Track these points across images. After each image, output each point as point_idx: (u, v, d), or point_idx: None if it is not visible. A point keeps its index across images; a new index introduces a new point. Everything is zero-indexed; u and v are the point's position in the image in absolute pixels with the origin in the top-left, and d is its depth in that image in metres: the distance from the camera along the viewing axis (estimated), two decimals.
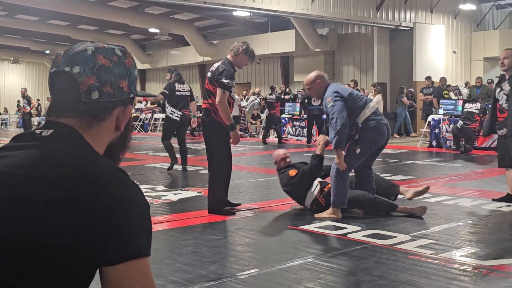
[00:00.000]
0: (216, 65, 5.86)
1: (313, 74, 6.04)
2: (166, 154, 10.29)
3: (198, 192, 7.32)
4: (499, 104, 6.13)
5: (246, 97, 22.54)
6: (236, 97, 20.08)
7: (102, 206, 1.28)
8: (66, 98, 1.43)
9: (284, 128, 18.14)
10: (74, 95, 1.42)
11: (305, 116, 17.19)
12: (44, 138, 1.39)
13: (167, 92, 9.74)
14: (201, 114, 6.22)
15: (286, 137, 17.92)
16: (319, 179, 6.06)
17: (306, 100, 15.85)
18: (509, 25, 24.21)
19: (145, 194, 5.38)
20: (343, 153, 5.41)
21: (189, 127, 20.61)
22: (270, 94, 18.05)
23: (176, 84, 9.81)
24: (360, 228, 5.06)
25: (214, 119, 5.69)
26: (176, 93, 9.72)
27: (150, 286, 1.33)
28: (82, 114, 1.44)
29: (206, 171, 9.58)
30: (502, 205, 6.09)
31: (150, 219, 1.36)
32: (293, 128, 17.90)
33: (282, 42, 24.15)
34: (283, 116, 18.46)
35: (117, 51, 1.52)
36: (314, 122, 16.01)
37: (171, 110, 9.75)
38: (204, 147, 6.10)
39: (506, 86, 6.03)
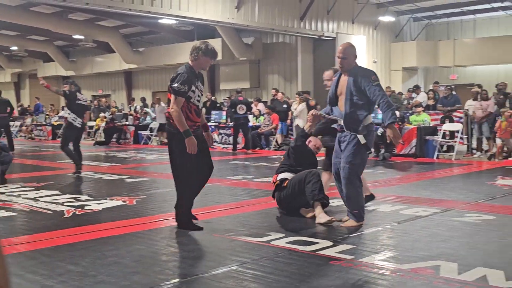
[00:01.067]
0: None
1: (348, 44, 5.71)
2: (90, 163, 10.05)
3: (123, 202, 7.15)
4: None
5: None
6: (163, 104, 19.89)
7: None
8: None
9: None
10: None
11: (231, 123, 17.23)
12: None
13: (67, 92, 10.18)
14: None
15: (212, 144, 17.83)
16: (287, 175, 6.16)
17: (232, 109, 15.88)
18: (425, 36, 25.32)
19: (67, 204, 5.18)
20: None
21: (115, 134, 20.38)
22: None
23: (78, 94, 10.32)
24: (283, 235, 5.08)
25: (173, 127, 5.34)
26: (77, 101, 10.20)
27: None
28: None
29: (132, 180, 9.52)
30: (419, 210, 6.32)
31: None
32: (220, 136, 17.89)
33: None
34: (209, 123, 18.39)
35: None
36: (240, 130, 16.06)
37: (74, 117, 10.03)
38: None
39: None
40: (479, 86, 14.74)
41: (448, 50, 22.70)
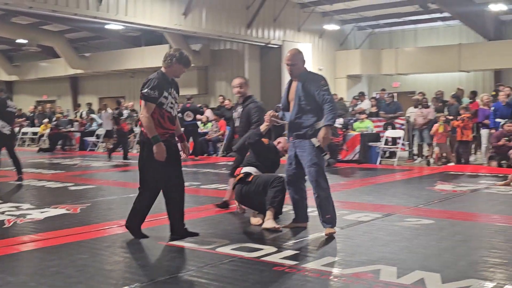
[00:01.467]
0: None
1: (296, 50, 5.59)
2: (34, 170, 9.79)
3: (66, 210, 6.99)
4: (236, 126, 6.96)
5: (118, 110, 21.85)
6: (109, 110, 19.57)
7: None
8: None
9: None
10: None
11: None
12: None
13: None
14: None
15: (187, 156, 17.62)
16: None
17: (181, 116, 15.75)
18: (369, 45, 25.88)
19: (8, 213, 5.02)
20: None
21: (60, 141, 19.90)
22: (116, 108, 16.99)
23: (8, 101, 10.15)
24: (228, 242, 5.09)
25: (144, 136, 5.18)
26: (8, 109, 10.00)
27: None
28: None
29: (76, 188, 9.32)
30: (362, 215, 6.46)
31: None
32: None
33: (156, 57, 23.90)
34: None
35: None
36: (191, 138, 15.83)
37: (2, 124, 9.79)
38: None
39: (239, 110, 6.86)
40: (423, 94, 15.17)
41: (391, 58, 23.28)
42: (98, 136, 19.93)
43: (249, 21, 20.27)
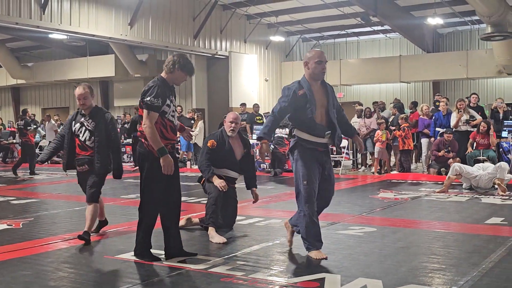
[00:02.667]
0: None
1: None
2: None
3: (8, 225, 6.77)
4: (79, 140, 5.95)
5: (24, 121, 21.15)
6: (53, 121, 19.12)
7: None
8: None
9: None
10: None
11: (125, 141, 16.94)
12: None
13: None
14: None
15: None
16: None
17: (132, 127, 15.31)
18: None
19: None
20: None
21: (1, 153, 19.26)
22: (21, 119, 15.63)
23: None
24: None
25: (144, 148, 4.78)
26: None
27: None
28: None
29: (19, 202, 9.04)
30: None
31: None
32: None
33: (101, 67, 23.55)
34: None
35: None
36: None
37: None
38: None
39: (88, 122, 5.92)
40: (360, 103, 15.53)
41: (335, 69, 23.69)
42: (41, 148, 19.40)
43: (196, 32, 20.27)
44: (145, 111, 4.68)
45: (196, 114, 16.90)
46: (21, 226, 6.72)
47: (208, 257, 4.94)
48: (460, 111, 12.38)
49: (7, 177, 13.93)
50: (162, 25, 19.32)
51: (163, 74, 4.98)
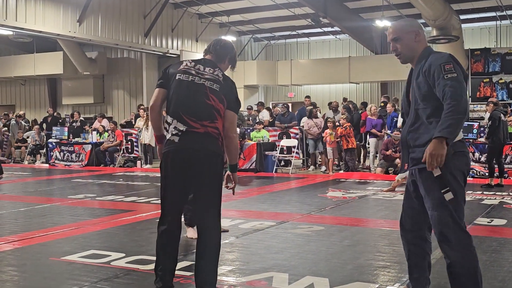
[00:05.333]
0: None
1: (400, 21, 3.63)
2: None
3: None
4: None
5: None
6: None
7: None
8: None
9: (52, 153, 17.19)
10: None
11: (73, 140, 16.61)
12: None
13: None
14: None
15: (54, 162, 16.98)
16: None
17: None
18: (265, 56, 26.43)
19: None
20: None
21: None
22: None
23: None
24: (124, 255, 5.01)
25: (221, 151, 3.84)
26: None
27: None
28: None
29: None
30: (257, 223, 6.58)
31: None
32: (61, 153, 17.05)
33: (49, 64, 22.98)
34: (50, 140, 17.51)
35: None
36: None
37: None
38: None
39: None
40: (314, 104, 15.72)
41: (286, 69, 23.86)
42: None
43: (147, 30, 20.03)
44: (233, 113, 3.76)
45: (146, 112, 16.69)
46: None
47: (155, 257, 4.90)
48: None
49: None
50: (112, 23, 18.99)
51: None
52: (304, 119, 15.23)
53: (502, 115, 10.42)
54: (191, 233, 5.65)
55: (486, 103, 12.84)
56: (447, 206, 3.18)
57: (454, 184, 3.21)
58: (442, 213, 3.21)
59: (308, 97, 16.64)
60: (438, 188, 3.20)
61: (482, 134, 11.98)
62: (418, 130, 3.34)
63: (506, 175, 10.99)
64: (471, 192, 9.34)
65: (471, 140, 12.02)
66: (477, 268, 3.21)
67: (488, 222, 6.46)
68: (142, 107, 17.44)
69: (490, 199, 8.60)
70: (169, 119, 3.65)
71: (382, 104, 15.34)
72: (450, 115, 3.05)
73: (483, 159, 11.87)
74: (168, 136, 3.63)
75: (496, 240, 5.54)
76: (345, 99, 17.15)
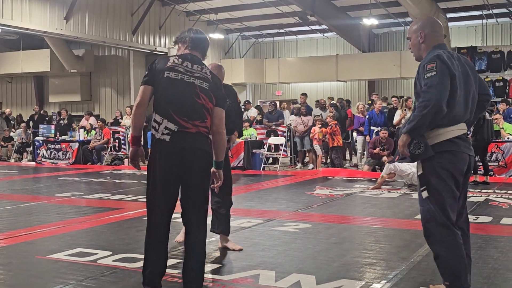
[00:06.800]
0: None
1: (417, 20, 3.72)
2: None
3: None
4: None
5: None
6: None
7: None
8: None
9: (38, 151, 17.07)
10: None
11: (60, 138, 16.50)
12: None
13: None
14: None
15: (41, 160, 16.86)
16: None
17: None
18: (253, 54, 26.41)
19: None
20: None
21: None
22: None
23: None
24: (110, 253, 4.99)
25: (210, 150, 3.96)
26: None
27: None
28: None
29: None
30: (244, 221, 6.56)
31: None
32: (48, 151, 16.93)
33: (35, 61, 22.80)
34: (37, 138, 17.38)
35: None
36: None
37: None
38: None
39: None
40: (296, 102, 15.69)
41: (274, 67, 23.87)
42: None
43: (134, 27, 19.93)
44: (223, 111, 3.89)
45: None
46: None
47: (142, 255, 4.87)
48: (405, 109, 12.55)
49: None
50: (99, 20, 18.87)
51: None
52: (292, 116, 15.25)
53: (487, 113, 10.49)
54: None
55: None
56: (427, 203, 3.39)
57: (435, 182, 3.37)
58: (424, 209, 3.44)
59: (304, 94, 16.46)
60: (420, 186, 3.44)
61: (468, 132, 12.04)
62: None
63: (491, 172, 11.07)
64: None
65: None
66: (458, 261, 3.34)
67: (473, 220, 6.50)
68: (127, 107, 17.37)
69: (475, 196, 8.68)
70: (158, 118, 3.56)
71: (370, 102, 15.39)
72: (417, 112, 3.25)
73: None
74: (158, 135, 3.57)
75: (481, 237, 5.57)
76: (331, 98, 17.14)
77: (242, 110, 17.27)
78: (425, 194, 3.40)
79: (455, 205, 3.43)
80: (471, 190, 9.58)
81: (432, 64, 3.28)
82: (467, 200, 3.71)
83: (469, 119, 3.53)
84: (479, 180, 10.34)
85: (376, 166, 12.79)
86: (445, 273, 3.41)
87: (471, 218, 6.85)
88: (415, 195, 9.03)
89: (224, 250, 5.19)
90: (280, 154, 14.46)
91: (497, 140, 11.83)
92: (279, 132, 15.01)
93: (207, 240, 3.74)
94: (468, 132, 3.79)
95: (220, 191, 4.43)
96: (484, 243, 5.42)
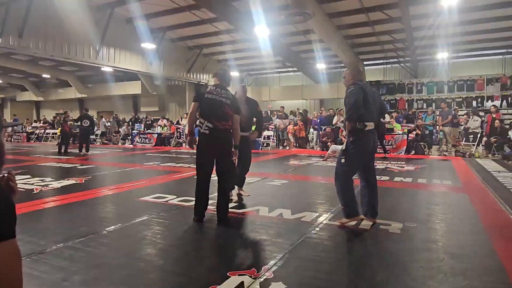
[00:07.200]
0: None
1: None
2: (53, 156, 8.79)
3: (74, 181, 6.43)
4: None
5: (64, 117, 20.38)
6: (103, 119, 18.17)
7: None
8: None
9: (134, 139, 16.94)
10: None
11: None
12: None
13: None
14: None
15: (136, 144, 16.75)
16: None
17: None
18: (255, 84, 26.06)
19: (35, 184, 4.39)
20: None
21: (71, 138, 18.14)
22: (64, 116, 13.11)
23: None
24: (175, 196, 4.89)
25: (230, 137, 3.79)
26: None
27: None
28: None
29: (82, 167, 8.54)
30: (249, 179, 6.43)
31: (8, 209, 1.09)
32: (140, 138, 16.81)
33: (133, 87, 22.73)
34: (133, 131, 17.24)
35: None
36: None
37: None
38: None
39: None
40: (281, 111, 15.55)
41: (266, 92, 23.36)
42: (97, 135, 18.57)
43: (188, 68, 19.70)
44: (238, 116, 3.74)
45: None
46: (83, 182, 6.40)
47: (194, 198, 4.79)
48: (338, 116, 12.52)
49: (72, 152, 13.22)
50: (169, 64, 18.54)
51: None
52: (277, 120, 15.12)
53: (381, 119, 10.41)
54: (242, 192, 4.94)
55: None
56: (343, 165, 3.52)
57: (352, 154, 3.49)
58: (338, 166, 3.56)
59: (282, 107, 16.36)
60: (340, 155, 3.58)
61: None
62: None
63: (388, 151, 11.02)
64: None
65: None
66: (348, 194, 3.49)
67: (379, 178, 6.44)
68: (185, 114, 17.19)
69: (380, 165, 8.61)
70: (202, 120, 3.63)
71: (320, 112, 15.24)
72: (347, 109, 3.39)
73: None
74: (202, 130, 3.68)
75: (383, 189, 5.52)
76: (299, 109, 16.96)
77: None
78: (343, 160, 3.48)
79: (357, 168, 3.57)
80: (377, 161, 9.53)
81: (352, 87, 3.39)
82: (376, 167, 3.77)
83: (376, 121, 3.60)
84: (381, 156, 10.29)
85: (324, 148, 12.70)
86: (341, 199, 3.51)
87: (378, 178, 6.80)
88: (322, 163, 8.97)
89: (239, 195, 5.13)
90: (270, 141, 14.35)
91: (392, 133, 11.76)
92: (270, 128, 14.89)
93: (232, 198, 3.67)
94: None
95: (244, 162, 4.57)
96: (382, 192, 5.37)
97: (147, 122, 18.85)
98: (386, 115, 12.22)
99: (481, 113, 14.48)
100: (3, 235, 1.04)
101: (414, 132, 11.87)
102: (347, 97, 3.40)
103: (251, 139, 4.79)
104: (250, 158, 5.01)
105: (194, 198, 3.82)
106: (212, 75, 4.18)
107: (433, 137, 13.12)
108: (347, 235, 3.35)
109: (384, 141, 11.01)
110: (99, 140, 18.63)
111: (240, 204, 4.57)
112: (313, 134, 14.48)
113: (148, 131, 16.98)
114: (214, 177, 3.73)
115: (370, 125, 3.49)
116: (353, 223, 3.57)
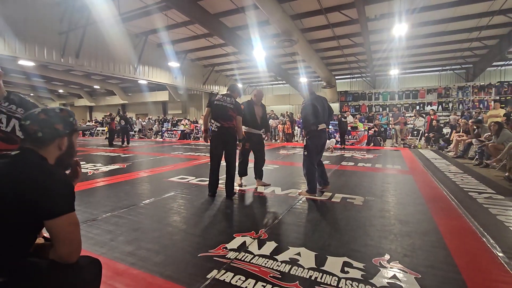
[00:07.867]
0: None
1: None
2: (101, 148, 8.66)
3: (119, 166, 6.36)
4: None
5: (111, 117, 20.21)
6: (140, 120, 17.98)
7: (41, 184, 1.04)
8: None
9: (163, 134, 16.80)
10: (27, 134, 1.14)
11: None
12: (12, 155, 1.10)
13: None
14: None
15: (164, 138, 16.63)
16: None
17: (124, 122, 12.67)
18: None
19: (88, 168, 4.29)
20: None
21: (115, 134, 17.98)
22: (110, 116, 13.10)
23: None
24: (194, 177, 4.84)
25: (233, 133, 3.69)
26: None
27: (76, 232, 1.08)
28: (34, 142, 1.16)
29: (124, 156, 8.43)
30: (250, 165, 6.44)
31: (69, 190, 1.12)
32: (168, 134, 16.69)
33: (162, 95, 22.29)
34: (163, 128, 17.09)
35: (56, 109, 1.25)
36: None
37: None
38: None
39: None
40: (272, 113, 15.40)
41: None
42: (135, 132, 18.45)
43: (204, 81, 19.50)
44: (241, 117, 3.66)
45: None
46: (125, 167, 6.35)
47: (208, 179, 4.64)
48: None
49: (117, 145, 13.11)
50: (190, 78, 18.30)
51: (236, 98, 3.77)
52: (270, 120, 15.02)
53: (342, 118, 10.45)
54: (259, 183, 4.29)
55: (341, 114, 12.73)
56: (306, 157, 3.66)
57: (310, 148, 3.63)
58: (304, 158, 3.70)
59: (272, 110, 16.30)
60: (304, 149, 3.72)
61: (330, 127, 11.86)
62: None
63: (352, 143, 10.95)
64: (337, 151, 9.31)
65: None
66: (311, 176, 3.62)
67: (346, 164, 6.44)
68: (202, 115, 17.04)
69: (347, 154, 8.49)
70: (213, 121, 3.70)
71: None
72: (301, 121, 3.62)
73: (338, 138, 11.83)
74: (213, 128, 3.74)
75: (348, 172, 5.49)
76: (287, 112, 16.85)
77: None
78: (306, 152, 3.64)
79: (316, 158, 3.69)
80: (345, 150, 9.46)
81: (304, 103, 3.64)
82: (343, 156, 3.81)
83: (326, 122, 3.75)
84: (341, 147, 10.22)
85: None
86: (307, 180, 3.66)
87: (346, 163, 6.78)
88: (324, 153, 8.90)
89: (263, 185, 4.69)
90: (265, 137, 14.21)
91: (356, 130, 11.73)
92: None
93: (243, 183, 3.64)
94: (330, 127, 4.10)
95: (260, 158, 4.37)
96: (350, 174, 5.32)
97: (173, 121, 18.73)
98: (351, 116, 12.20)
99: (424, 115, 14.48)
100: (66, 210, 1.08)
101: (373, 129, 11.86)
102: (302, 110, 3.62)
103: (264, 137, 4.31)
104: (264, 153, 4.45)
105: (208, 179, 3.80)
106: (226, 86, 4.26)
107: (387, 133, 13.11)
108: (323, 206, 3.37)
109: (346, 136, 10.97)
110: (137, 135, 18.51)
111: (243, 185, 4.54)
112: (297, 131, 14.43)
113: (174, 128, 16.88)
114: (223, 163, 3.71)
115: (322, 126, 3.66)
116: (313, 197, 3.65)
